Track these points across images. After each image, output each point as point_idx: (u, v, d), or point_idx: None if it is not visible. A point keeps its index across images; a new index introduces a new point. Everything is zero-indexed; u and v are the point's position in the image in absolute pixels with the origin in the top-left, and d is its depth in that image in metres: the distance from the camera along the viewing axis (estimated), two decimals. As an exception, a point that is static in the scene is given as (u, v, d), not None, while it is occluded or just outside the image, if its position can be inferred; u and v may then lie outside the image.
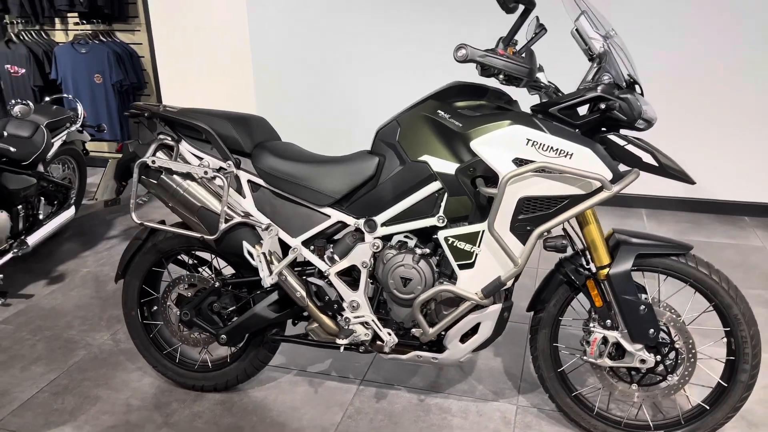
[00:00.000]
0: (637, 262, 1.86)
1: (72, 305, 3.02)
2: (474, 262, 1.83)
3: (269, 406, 2.25)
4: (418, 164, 1.86)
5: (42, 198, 3.43)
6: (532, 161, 1.71)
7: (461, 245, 1.83)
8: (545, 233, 1.79)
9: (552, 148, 1.71)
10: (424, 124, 1.86)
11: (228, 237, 2.04)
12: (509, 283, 1.84)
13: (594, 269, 1.88)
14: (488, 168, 1.77)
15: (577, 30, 1.80)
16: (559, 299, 1.98)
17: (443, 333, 1.96)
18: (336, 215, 2.01)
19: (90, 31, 4.86)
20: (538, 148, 1.71)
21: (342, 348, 2.04)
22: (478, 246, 1.81)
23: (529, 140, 1.72)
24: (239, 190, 2.07)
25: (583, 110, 1.77)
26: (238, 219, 2.01)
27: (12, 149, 3.06)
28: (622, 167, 1.79)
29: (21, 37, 4.94)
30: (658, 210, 4.04)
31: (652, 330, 1.84)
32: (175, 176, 2.06)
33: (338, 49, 4.31)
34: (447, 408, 2.22)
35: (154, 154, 2.06)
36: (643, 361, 1.86)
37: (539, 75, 1.87)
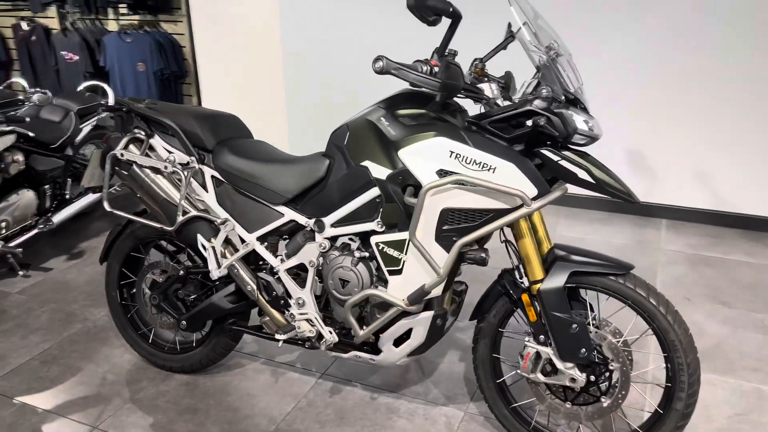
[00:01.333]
0: (574, 279, 1.82)
1: (83, 281, 3.25)
2: (402, 268, 1.85)
3: (229, 391, 2.36)
4: (360, 169, 1.90)
5: (70, 179, 3.69)
6: (456, 173, 1.71)
7: (390, 251, 1.86)
8: (468, 245, 1.78)
9: (475, 161, 1.70)
10: (368, 130, 1.89)
11: (186, 229, 2.15)
12: (434, 292, 1.85)
13: (527, 283, 1.86)
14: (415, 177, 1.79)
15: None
16: (499, 311, 1.97)
17: (379, 335, 1.99)
18: (289, 214, 2.07)
19: (137, 21, 5.12)
20: (461, 160, 1.71)
21: (280, 343, 2.11)
22: (405, 253, 1.83)
23: (452, 152, 1.72)
24: (204, 185, 2.17)
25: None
26: (193, 213, 2.11)
27: (31, 134, 3.30)
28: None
29: (75, 26, 5.27)
30: (681, 221, 3.86)
31: (583, 350, 1.80)
32: (145, 169, 2.18)
33: (369, 43, 4.35)
34: (395, 408, 2.25)
35: (125, 147, 2.19)
36: (573, 380, 1.83)
37: (487, 86, 1.84)
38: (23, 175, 3.39)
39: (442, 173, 1.73)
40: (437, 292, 1.85)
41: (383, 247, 1.86)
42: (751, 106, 3.53)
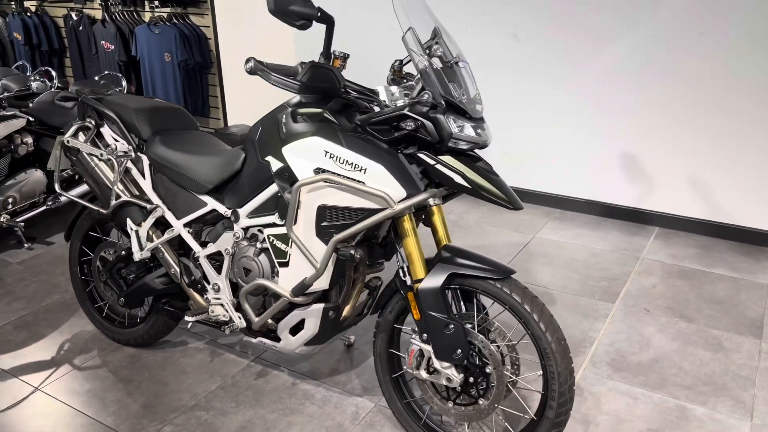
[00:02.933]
0: (457, 281, 1.85)
1: (76, 256, 3.51)
2: (288, 261, 1.93)
3: (165, 366, 2.52)
4: (264, 164, 1.99)
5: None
6: (329, 172, 1.77)
7: (278, 244, 1.94)
8: (345, 242, 1.84)
9: (347, 161, 1.75)
10: (273, 127, 1.98)
11: (120, 212, 2.31)
12: (319, 285, 1.91)
13: (410, 282, 1.90)
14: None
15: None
16: (395, 307, 2.01)
17: (276, 324, 2.08)
18: (212, 203, 2.19)
19: (166, 14, 5.40)
20: (336, 160, 1.77)
21: (189, 324, 2.25)
22: (290, 247, 1.92)
23: (326, 152, 1.78)
24: (142, 172, 2.33)
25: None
26: (125, 198, 2.27)
27: (31, 119, 3.58)
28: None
29: (113, 17, 5.61)
30: (673, 230, 3.71)
31: (459, 350, 1.83)
32: (89, 155, 2.37)
33: (384, 37, 4.41)
34: (311, 395, 2.34)
35: (74, 135, 2.38)
36: (449, 379, 1.86)
37: (383, 88, 1.88)
38: (33, 155, 3.69)
39: (318, 171, 1.79)
40: (322, 285, 1.92)
41: (273, 240, 1.95)
42: (756, 114, 3.35)
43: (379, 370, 2.10)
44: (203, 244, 2.24)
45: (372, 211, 1.77)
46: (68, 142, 2.36)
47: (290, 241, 1.91)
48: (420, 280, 1.85)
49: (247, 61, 1.67)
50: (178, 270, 2.25)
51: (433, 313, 1.83)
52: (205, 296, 2.24)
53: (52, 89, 3.83)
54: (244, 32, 5.06)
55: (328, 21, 1.75)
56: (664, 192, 3.72)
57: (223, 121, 5.48)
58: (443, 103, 1.73)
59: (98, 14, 5.83)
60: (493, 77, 4.02)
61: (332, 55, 1.84)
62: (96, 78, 4.42)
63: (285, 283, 1.96)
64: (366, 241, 1.98)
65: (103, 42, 5.59)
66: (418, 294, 1.85)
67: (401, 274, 1.92)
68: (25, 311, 2.94)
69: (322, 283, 1.91)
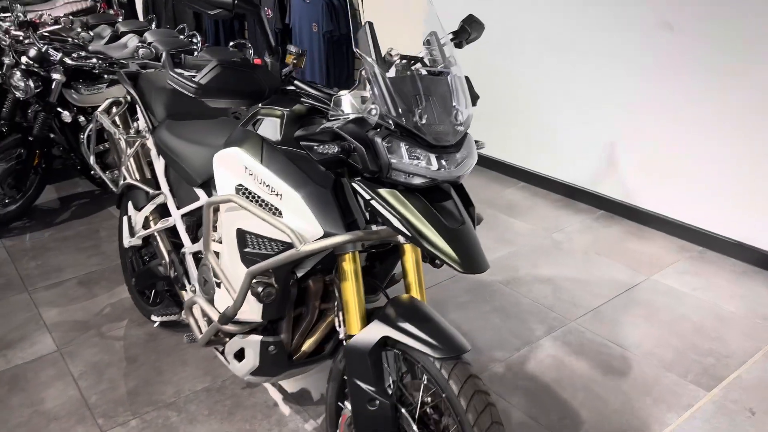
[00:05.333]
0: (399, 346, 1.46)
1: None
2: (221, 283, 1.69)
3: (171, 353, 2.47)
4: None
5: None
6: (251, 192, 1.48)
7: (213, 263, 1.70)
8: (263, 275, 1.53)
9: (264, 182, 1.44)
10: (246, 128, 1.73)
11: (127, 194, 2.26)
12: (244, 316, 1.64)
13: (342, 335, 1.55)
14: None
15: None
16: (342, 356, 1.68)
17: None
18: (203, 198, 2.03)
19: (322, -17, 5.34)
20: (255, 179, 1.47)
21: (155, 324, 2.12)
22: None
23: (246, 168, 1.48)
24: (158, 154, 2.24)
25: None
26: (128, 180, 2.21)
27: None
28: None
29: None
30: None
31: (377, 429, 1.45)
32: (113, 132, 2.34)
33: (529, 28, 3.89)
34: (284, 422, 2.12)
35: (107, 109, 2.36)
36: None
37: (347, 95, 1.52)
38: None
39: (240, 189, 1.51)
40: (252, 316, 1.64)
41: (210, 257, 1.72)
42: None
43: (327, 422, 1.79)
44: (195, 240, 2.10)
45: (286, 246, 1.46)
46: (98, 116, 2.36)
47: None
48: (351, 336, 1.50)
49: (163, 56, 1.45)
50: (167, 262, 2.15)
51: (357, 381, 1.47)
52: (186, 295, 2.11)
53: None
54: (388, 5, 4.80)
55: (251, 9, 1.43)
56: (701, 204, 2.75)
57: (364, 97, 5.33)
58: (391, 123, 1.34)
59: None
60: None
61: (287, 51, 1.53)
62: (229, 45, 4.51)
63: (218, 304, 1.74)
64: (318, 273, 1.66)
65: (266, 8, 5.74)
66: (345, 352, 1.50)
67: (336, 324, 1.58)
68: (95, 268, 3.11)
69: (252, 315, 1.65)
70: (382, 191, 1.37)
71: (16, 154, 3.42)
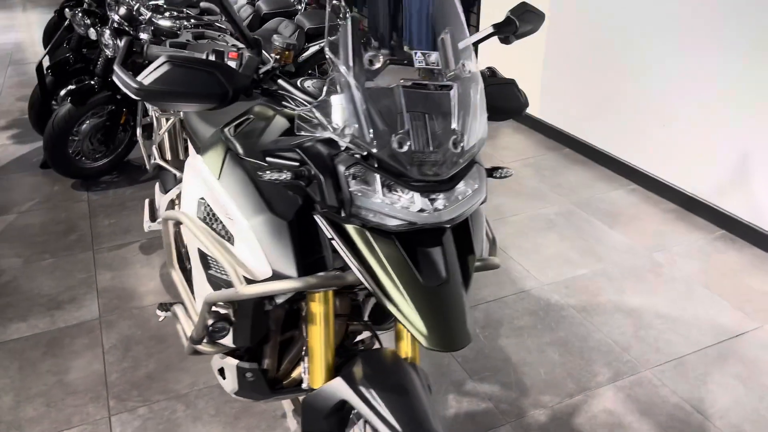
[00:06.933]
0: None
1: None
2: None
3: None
4: None
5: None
6: (211, 210, 1.26)
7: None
8: (222, 305, 1.32)
9: (218, 200, 1.22)
10: None
11: (158, 175, 2.15)
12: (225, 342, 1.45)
13: (306, 385, 1.31)
14: None
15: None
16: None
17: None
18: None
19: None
20: (213, 195, 1.25)
21: (161, 318, 1.99)
22: (198, 281, 1.48)
23: (205, 181, 1.26)
24: (193, 135, 2.11)
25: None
26: (155, 161, 2.09)
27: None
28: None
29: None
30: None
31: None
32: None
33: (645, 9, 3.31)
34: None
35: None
36: None
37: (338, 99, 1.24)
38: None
39: (202, 204, 1.30)
40: (225, 341, 1.46)
41: (173, 274, 1.55)
42: None
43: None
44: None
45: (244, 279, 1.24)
46: (141, 89, 2.25)
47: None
48: (313, 390, 1.27)
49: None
50: (174, 252, 2.02)
51: (309, 441, 1.25)
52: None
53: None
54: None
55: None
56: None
57: (474, 69, 4.93)
58: (369, 148, 1.05)
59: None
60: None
61: (272, 45, 1.27)
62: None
63: (188, 324, 1.57)
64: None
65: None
66: (302, 407, 1.27)
67: (302, 371, 1.35)
68: (159, 234, 3.11)
69: (224, 339, 1.46)
70: (350, 229, 1.10)
71: (107, 111, 3.50)
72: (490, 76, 1.48)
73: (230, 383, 1.60)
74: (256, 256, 1.17)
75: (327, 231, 1.11)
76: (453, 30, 1.21)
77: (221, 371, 1.63)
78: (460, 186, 1.14)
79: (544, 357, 2.28)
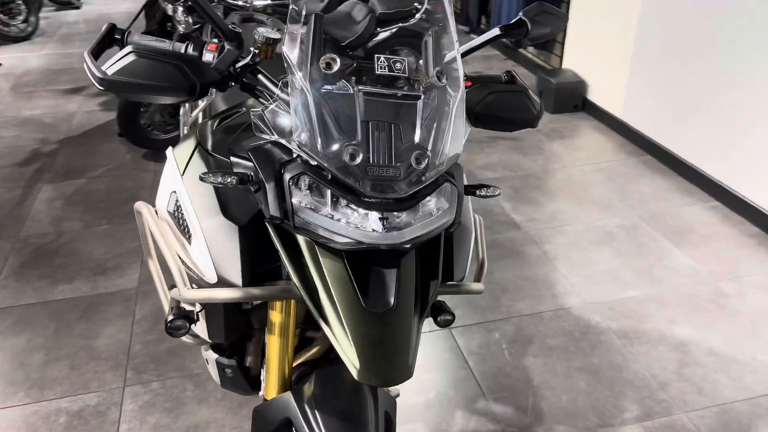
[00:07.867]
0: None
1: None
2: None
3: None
4: None
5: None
6: (180, 204, 1.22)
7: None
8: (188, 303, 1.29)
9: (180, 198, 1.18)
10: None
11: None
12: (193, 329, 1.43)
13: (261, 393, 1.27)
14: None
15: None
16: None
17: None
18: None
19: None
20: (179, 190, 1.21)
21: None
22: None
23: (173, 174, 1.22)
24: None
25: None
26: (185, 131, 2.10)
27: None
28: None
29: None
30: None
31: None
32: None
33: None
34: None
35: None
36: None
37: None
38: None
39: (174, 197, 1.27)
40: (202, 334, 1.44)
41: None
42: None
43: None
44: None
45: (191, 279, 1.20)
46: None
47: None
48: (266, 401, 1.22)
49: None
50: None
51: (255, 454, 1.20)
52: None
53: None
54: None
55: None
56: None
57: (560, 62, 4.66)
58: (317, 158, 0.98)
59: None
60: None
61: (254, 38, 1.21)
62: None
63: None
64: None
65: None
66: (253, 418, 1.23)
67: (261, 376, 1.31)
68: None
69: (200, 331, 1.44)
70: (300, 240, 1.04)
71: (177, 85, 3.60)
72: (508, 81, 1.35)
73: (213, 374, 1.59)
74: (204, 260, 1.13)
75: (275, 240, 1.05)
76: (437, 33, 1.10)
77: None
78: (430, 204, 1.04)
79: (569, 383, 2.12)
